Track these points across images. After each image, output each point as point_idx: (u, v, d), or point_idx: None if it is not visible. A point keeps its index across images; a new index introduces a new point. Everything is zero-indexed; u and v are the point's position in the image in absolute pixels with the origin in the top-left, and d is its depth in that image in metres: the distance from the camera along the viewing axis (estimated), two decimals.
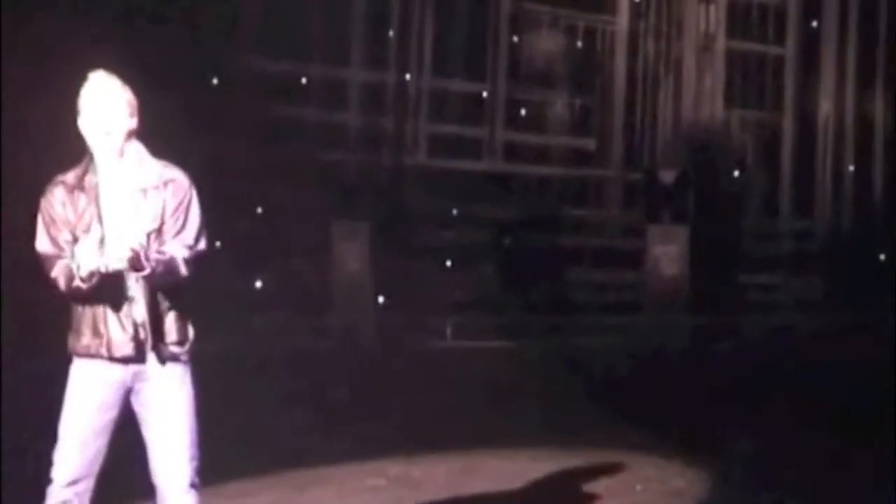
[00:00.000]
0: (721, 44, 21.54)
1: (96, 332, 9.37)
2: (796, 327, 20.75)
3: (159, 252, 9.25)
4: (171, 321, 9.40)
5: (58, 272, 9.26)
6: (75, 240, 9.18)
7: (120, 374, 9.26)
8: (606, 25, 21.21)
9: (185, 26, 17.72)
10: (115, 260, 9.21)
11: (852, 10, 22.16)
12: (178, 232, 9.26)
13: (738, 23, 21.96)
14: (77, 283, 9.22)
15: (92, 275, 9.21)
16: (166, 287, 9.41)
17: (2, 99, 15.98)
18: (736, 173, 21.44)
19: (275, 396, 15.11)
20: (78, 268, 9.20)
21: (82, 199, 9.32)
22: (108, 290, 9.43)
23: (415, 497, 13.01)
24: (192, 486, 9.41)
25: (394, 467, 13.89)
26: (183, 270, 9.31)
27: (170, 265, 9.42)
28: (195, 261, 9.35)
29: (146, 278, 9.21)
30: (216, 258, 11.35)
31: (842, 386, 18.96)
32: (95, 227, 9.15)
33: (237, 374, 12.89)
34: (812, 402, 18.01)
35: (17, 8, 16.21)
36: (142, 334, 9.32)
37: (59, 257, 9.32)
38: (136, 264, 9.14)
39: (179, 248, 9.29)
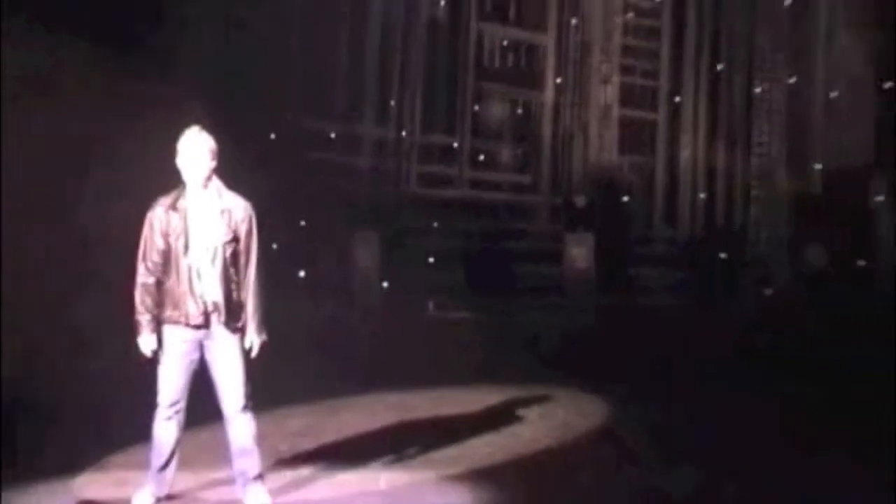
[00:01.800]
0: (615, 111, 21.58)
1: (176, 307, 10.20)
2: (664, 304, 20.77)
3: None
4: (230, 302, 10.27)
5: (141, 271, 10.14)
6: (167, 245, 10.16)
7: (193, 335, 10.19)
8: (538, 98, 21.30)
9: (252, 96, 17.63)
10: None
11: (702, 87, 21.87)
12: (249, 243, 10.23)
13: (626, 98, 21.99)
14: (141, 302, 10.27)
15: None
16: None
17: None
18: (625, 198, 21.54)
19: (312, 349, 15.13)
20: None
21: (175, 217, 10.13)
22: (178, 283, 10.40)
23: (409, 416, 13.64)
24: (245, 408, 10.29)
25: (392, 397, 14.47)
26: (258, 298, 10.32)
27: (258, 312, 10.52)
28: (259, 263, 10.23)
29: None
30: (273, 256, 11.48)
31: (691, 336, 18.81)
32: (182, 243, 10.24)
33: (286, 333, 11.39)
34: (673, 347, 18.19)
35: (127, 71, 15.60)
36: (210, 309, 10.25)
37: (145, 264, 10.18)
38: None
39: (254, 255, 10.22)
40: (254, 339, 10.47)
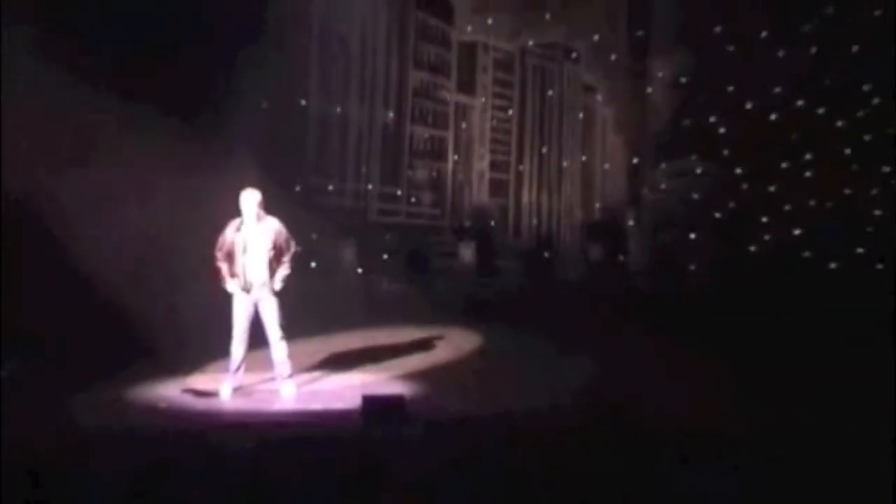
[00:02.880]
0: (486, 174, 23.87)
1: (235, 276, 12.11)
2: (517, 281, 22.13)
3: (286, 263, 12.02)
4: (272, 273, 12.21)
5: (219, 257, 12.09)
6: (230, 248, 12.12)
7: (245, 296, 12.20)
8: (444, 167, 23.60)
9: (283, 163, 18.72)
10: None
11: (534, 161, 23.59)
12: (287, 247, 12.25)
13: (493, 167, 23.94)
14: (222, 268, 12.08)
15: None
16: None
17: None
18: (492, 223, 23.55)
19: (318, 306, 16.00)
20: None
21: (239, 235, 12.09)
22: (242, 267, 12.05)
23: (371, 343, 15.59)
24: (281, 338, 12.29)
25: (362, 332, 16.41)
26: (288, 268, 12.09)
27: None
28: (291, 259, 12.33)
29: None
30: (296, 253, 12.65)
31: (522, 293, 20.86)
32: (241, 248, 12.08)
33: (303, 297, 13.17)
34: (513, 300, 20.09)
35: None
36: (262, 277, 12.23)
37: (220, 252, 12.10)
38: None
39: (290, 256, 12.19)
40: (276, 285, 12.17)
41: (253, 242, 12.12)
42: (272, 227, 12.07)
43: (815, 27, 19.17)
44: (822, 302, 16.46)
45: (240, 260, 11.93)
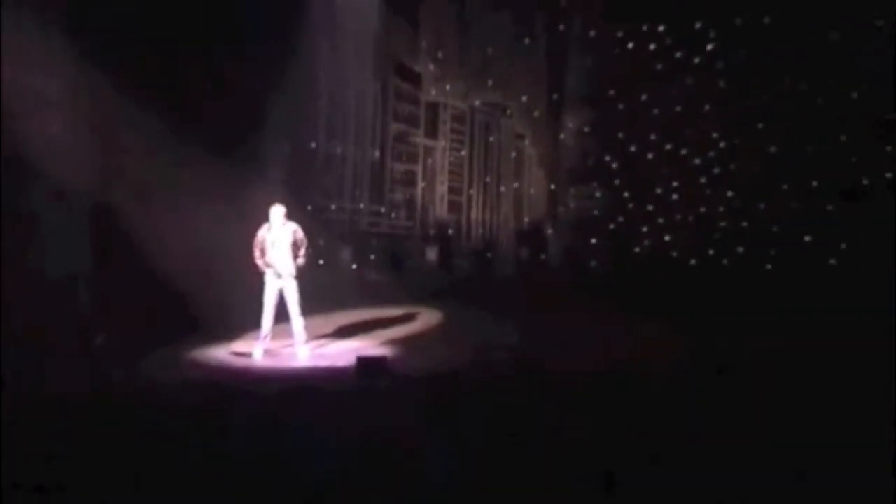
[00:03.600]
0: (446, 197, 23.20)
1: (268, 264, 12.12)
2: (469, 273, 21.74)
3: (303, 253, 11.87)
4: (294, 261, 12.14)
5: (256, 252, 12.05)
6: (263, 245, 12.11)
7: (278, 280, 12.13)
8: (414, 191, 23.05)
9: (300, 188, 18.05)
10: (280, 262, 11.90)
11: (480, 188, 22.95)
12: (302, 243, 12.24)
13: (450, 191, 23.23)
14: (258, 259, 11.98)
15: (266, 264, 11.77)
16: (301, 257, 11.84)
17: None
18: (450, 231, 23.06)
19: (324, 292, 15.06)
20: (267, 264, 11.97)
21: (269, 235, 12.09)
22: (271, 257, 12.00)
23: (362, 318, 15.32)
24: (300, 314, 12.22)
25: (356, 311, 15.96)
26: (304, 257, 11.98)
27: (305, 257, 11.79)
28: (306, 253, 12.29)
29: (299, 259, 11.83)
30: (308, 252, 12.57)
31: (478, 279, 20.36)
32: (271, 244, 12.09)
33: (314, 284, 13.00)
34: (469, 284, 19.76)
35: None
36: (285, 265, 12.15)
37: (256, 248, 12.04)
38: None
39: (304, 250, 12.19)
40: (300, 262, 12.05)
41: (279, 240, 12.17)
42: (291, 229, 12.19)
43: (680, 91, 19.83)
44: (685, 289, 17.29)
45: (270, 253, 12.04)
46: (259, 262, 11.92)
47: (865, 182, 16.99)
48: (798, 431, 7.84)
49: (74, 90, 12.79)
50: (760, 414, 8.46)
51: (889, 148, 16.70)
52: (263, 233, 11.98)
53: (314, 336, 13.03)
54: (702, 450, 7.33)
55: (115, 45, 12.92)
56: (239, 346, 12.76)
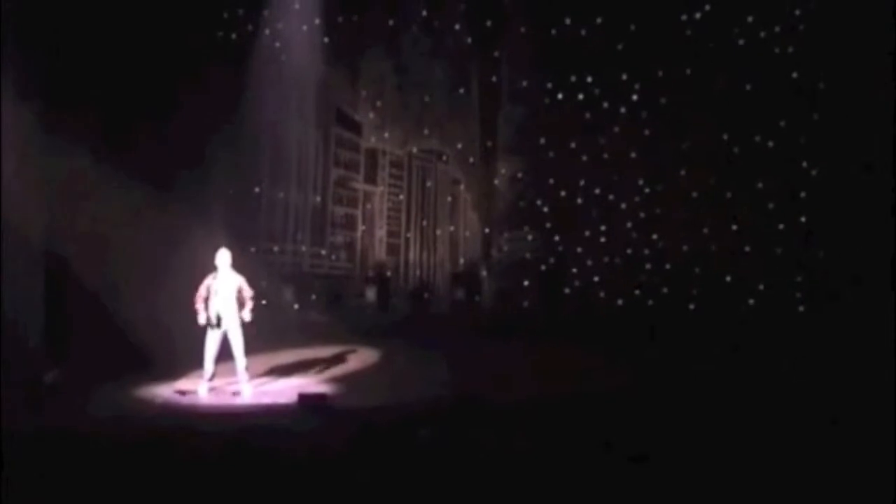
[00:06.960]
0: (385, 240, 23.13)
1: (208, 316, 11.88)
2: (409, 311, 21.43)
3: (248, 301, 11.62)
4: (238, 312, 12.00)
5: (198, 299, 11.76)
6: (208, 292, 11.83)
7: (219, 329, 11.96)
8: (355, 235, 22.88)
9: (245, 231, 18.32)
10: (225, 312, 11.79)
11: (418, 231, 22.92)
12: (248, 298, 12.00)
13: (389, 234, 23.25)
14: (200, 306, 11.66)
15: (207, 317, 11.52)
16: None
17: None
18: (388, 273, 22.64)
19: (268, 332, 14.80)
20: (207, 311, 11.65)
21: (214, 283, 11.88)
22: (213, 304, 11.75)
23: (306, 357, 15.12)
24: (243, 355, 12.04)
25: (298, 350, 15.71)
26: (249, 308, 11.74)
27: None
28: (251, 300, 12.02)
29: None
30: (253, 294, 12.26)
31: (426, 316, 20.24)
32: (215, 292, 11.82)
33: (259, 323, 12.68)
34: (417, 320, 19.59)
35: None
36: (227, 313, 11.97)
37: (200, 295, 11.74)
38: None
39: (249, 307, 11.90)
40: (245, 318, 11.91)
41: (223, 289, 12.03)
42: (237, 282, 12.10)
43: (607, 139, 20.15)
44: (613, 327, 17.72)
45: (213, 300, 11.88)
46: (199, 306, 11.68)
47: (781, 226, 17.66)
48: (718, 461, 8.21)
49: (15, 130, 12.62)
50: (684, 439, 8.89)
51: (802, 194, 17.58)
52: (209, 280, 11.86)
53: (257, 374, 12.97)
54: (635, 475, 7.66)
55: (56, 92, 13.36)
56: (184, 384, 12.65)
